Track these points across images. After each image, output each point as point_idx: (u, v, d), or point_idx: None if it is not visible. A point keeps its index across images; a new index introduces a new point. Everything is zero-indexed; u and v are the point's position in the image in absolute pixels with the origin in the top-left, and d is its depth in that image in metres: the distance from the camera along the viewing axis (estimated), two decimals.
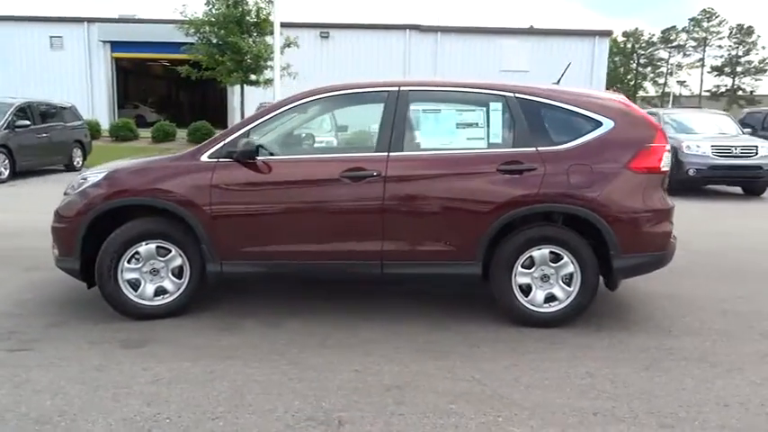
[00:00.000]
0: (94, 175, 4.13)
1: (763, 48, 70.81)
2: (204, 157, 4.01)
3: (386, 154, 3.93)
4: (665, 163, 3.98)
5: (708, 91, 69.50)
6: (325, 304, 4.41)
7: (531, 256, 3.94)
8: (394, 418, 2.80)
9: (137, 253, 4.01)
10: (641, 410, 2.89)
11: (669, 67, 72.67)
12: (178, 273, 4.09)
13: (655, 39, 72.37)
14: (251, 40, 18.95)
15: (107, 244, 3.95)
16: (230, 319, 4.11)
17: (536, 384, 3.16)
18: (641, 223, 3.91)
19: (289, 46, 19.10)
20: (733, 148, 10.79)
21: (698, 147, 10.75)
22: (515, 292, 3.96)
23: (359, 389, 3.09)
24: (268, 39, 19.23)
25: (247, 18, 18.77)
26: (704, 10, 70.54)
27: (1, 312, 4.19)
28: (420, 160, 3.96)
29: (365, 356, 3.50)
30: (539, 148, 3.91)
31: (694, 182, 10.82)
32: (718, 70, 70.17)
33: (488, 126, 4.01)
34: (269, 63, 19.19)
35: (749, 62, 68.69)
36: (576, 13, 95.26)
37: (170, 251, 4.04)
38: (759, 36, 69.97)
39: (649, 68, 73.92)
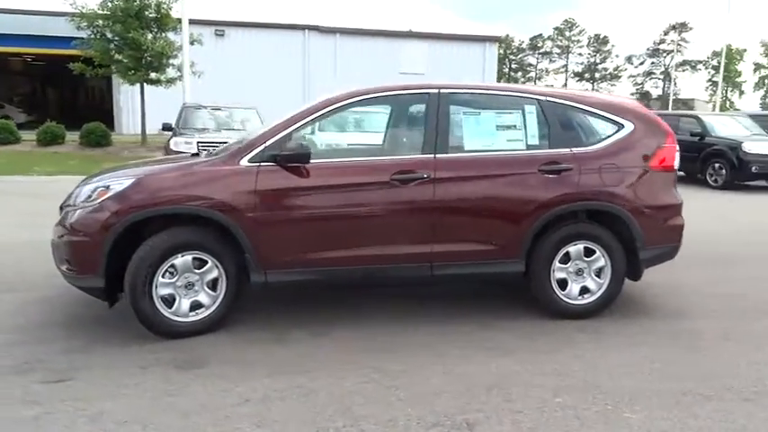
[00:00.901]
0: (117, 182, 3.73)
1: (617, 56, 78.57)
2: (244, 162, 3.79)
3: (432, 156, 3.95)
4: (677, 162, 4.38)
5: None
6: (356, 310, 4.33)
7: (567, 252, 4.15)
8: (515, 416, 2.85)
9: (172, 266, 3.70)
10: (719, 388, 3.17)
11: (537, 72, 78.46)
12: (212, 285, 3.83)
13: (524, 45, 77.67)
14: (150, 36, 17.76)
15: (142, 257, 3.61)
16: (269, 331, 3.91)
17: (616, 372, 3.35)
18: (661, 217, 4.27)
19: (192, 44, 18.17)
20: None
21: None
22: (554, 286, 4.15)
23: (461, 390, 3.10)
24: (170, 36, 18.17)
25: (147, 13, 17.56)
26: (566, 20, 76.85)
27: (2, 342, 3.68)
28: (466, 161, 4.02)
29: (442, 357, 3.51)
30: (572, 149, 4.14)
31: None
32: (580, 76, 76.80)
33: (525, 128, 4.16)
34: (171, 61, 18.16)
35: (605, 69, 75.96)
36: (449, 19, 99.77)
37: (206, 263, 3.77)
38: (613, 45, 77.47)
39: (520, 73, 79.09)
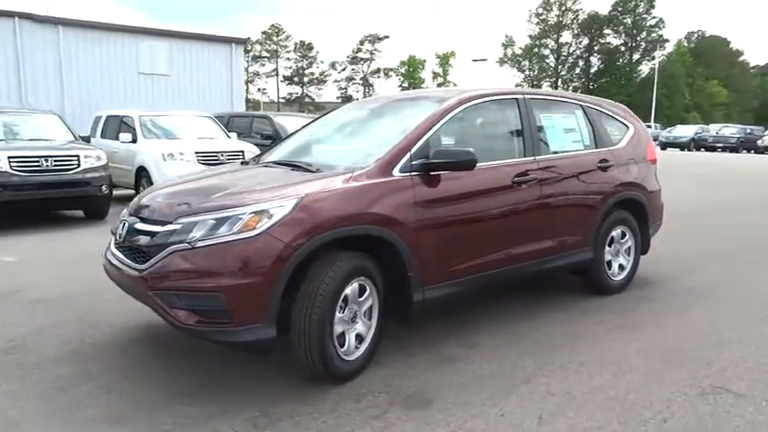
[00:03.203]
0: (274, 205, 3.01)
1: (322, 62, 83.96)
2: (396, 172, 3.45)
3: (533, 158, 4.18)
4: (656, 155, 5.42)
5: (283, 98, 78.42)
6: (476, 315, 4.28)
7: (612, 236, 4.82)
8: (730, 372, 3.36)
9: (344, 297, 3.19)
10: None
11: (249, 75, 78.94)
12: (366, 314, 3.42)
13: None
14: None
15: (325, 289, 3.03)
16: (426, 350, 3.67)
17: (715, 328, 4.09)
18: (656, 200, 5.26)
19: None
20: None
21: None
22: (605, 267, 4.78)
23: (657, 366, 3.45)
24: None
25: None
26: (273, 25, 79.16)
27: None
28: (556, 161, 4.33)
29: (592, 342, 3.84)
30: (610, 148, 4.81)
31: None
32: (289, 80, 79.98)
33: (581, 130, 4.67)
34: None
35: (312, 74, 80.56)
36: (127, 15, 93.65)
37: (366, 289, 3.34)
38: (318, 51, 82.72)
39: None
